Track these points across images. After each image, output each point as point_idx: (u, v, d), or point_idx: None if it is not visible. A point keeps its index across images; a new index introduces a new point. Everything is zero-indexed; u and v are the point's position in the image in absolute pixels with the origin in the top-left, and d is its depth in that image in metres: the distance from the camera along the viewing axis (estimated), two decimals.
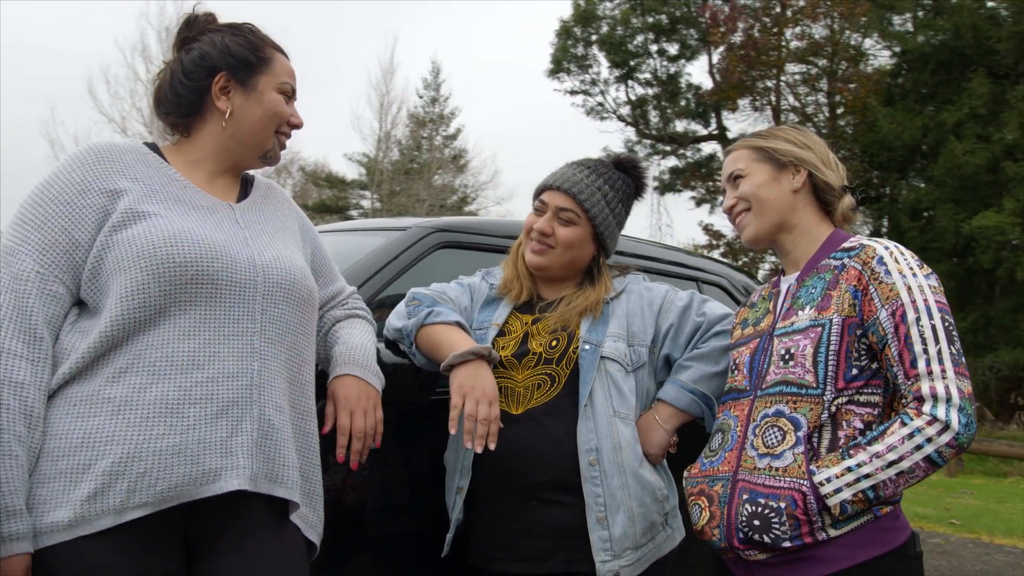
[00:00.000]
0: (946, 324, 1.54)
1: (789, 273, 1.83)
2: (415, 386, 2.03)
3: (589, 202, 1.98)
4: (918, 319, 1.53)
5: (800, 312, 1.68)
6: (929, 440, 1.45)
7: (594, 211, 1.99)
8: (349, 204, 31.68)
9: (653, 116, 27.96)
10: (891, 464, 1.47)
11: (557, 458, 1.83)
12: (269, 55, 1.61)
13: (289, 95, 1.64)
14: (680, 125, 27.66)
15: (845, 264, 1.66)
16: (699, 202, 27.77)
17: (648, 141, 27.91)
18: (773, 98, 24.34)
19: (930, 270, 1.62)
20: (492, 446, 1.69)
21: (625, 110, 27.67)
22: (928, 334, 1.52)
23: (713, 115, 26.63)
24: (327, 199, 31.33)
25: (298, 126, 1.67)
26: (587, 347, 1.90)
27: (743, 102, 24.60)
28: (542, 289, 2.09)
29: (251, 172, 1.75)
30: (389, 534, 1.62)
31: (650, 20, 25.66)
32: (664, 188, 27.72)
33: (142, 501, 1.27)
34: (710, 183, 27.38)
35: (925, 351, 1.51)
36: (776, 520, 1.53)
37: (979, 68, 18.92)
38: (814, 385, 1.59)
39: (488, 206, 28.84)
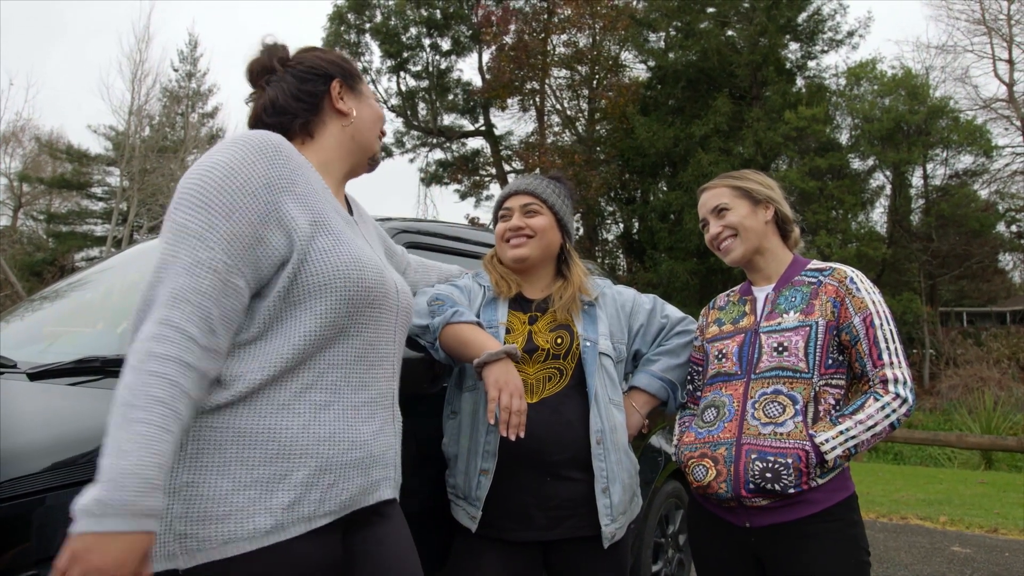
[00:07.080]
0: (896, 328, 2.05)
1: (760, 285, 2.21)
2: (428, 379, 2.16)
3: (545, 194, 2.23)
4: (881, 324, 1.99)
5: (785, 315, 2.06)
6: (894, 411, 1.92)
7: (551, 200, 2.23)
8: (92, 180, 29.03)
9: (422, 109, 28.27)
10: (869, 428, 1.91)
11: (572, 439, 2.04)
12: (356, 69, 1.72)
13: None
14: (449, 119, 28.24)
15: (821, 281, 2.07)
16: (464, 195, 28.48)
17: (417, 133, 28.18)
18: (539, 100, 25.52)
19: (878, 289, 2.10)
20: (522, 434, 1.88)
21: (396, 101, 27.74)
22: (888, 335, 1.99)
23: (481, 112, 27.42)
24: (67, 174, 28.44)
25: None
26: (587, 344, 2.12)
27: (512, 101, 25.54)
28: (524, 288, 2.26)
29: None
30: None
31: (424, 13, 25.90)
32: (431, 179, 28.16)
33: (328, 510, 1.39)
34: (476, 177, 28.14)
35: (887, 348, 1.98)
36: (785, 472, 1.90)
37: (723, 89, 21.16)
38: (806, 370, 1.98)
39: None
